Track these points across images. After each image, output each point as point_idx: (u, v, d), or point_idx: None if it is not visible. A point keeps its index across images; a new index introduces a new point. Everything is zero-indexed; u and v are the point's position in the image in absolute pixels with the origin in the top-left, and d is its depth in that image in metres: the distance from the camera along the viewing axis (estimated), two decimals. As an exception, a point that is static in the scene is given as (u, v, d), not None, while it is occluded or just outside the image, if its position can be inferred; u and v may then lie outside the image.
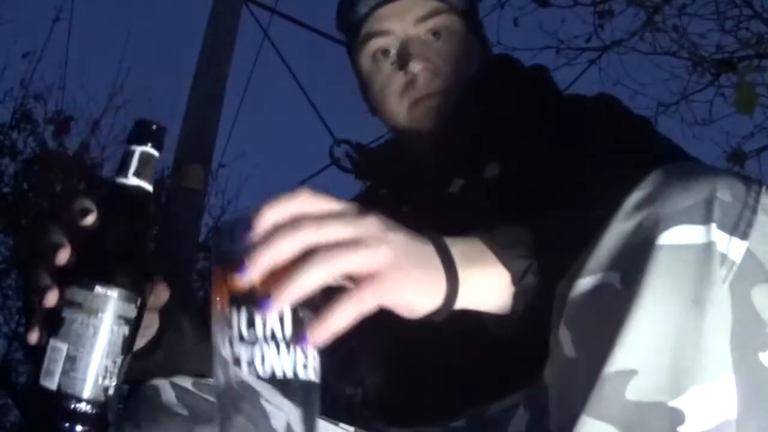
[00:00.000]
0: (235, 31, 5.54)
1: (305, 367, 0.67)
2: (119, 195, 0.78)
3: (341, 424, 0.99)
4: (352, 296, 0.65)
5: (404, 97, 1.15)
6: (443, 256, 0.70)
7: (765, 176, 4.86)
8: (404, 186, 1.18)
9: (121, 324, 0.74)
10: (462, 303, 0.71)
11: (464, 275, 0.71)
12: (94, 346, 0.72)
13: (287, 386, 0.67)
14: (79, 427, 0.72)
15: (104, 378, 0.73)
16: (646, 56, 5.30)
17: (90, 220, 0.76)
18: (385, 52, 1.16)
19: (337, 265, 0.65)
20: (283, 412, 0.95)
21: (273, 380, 0.67)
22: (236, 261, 0.65)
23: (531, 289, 0.73)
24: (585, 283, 0.66)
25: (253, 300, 0.66)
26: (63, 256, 0.74)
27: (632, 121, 1.11)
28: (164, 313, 0.93)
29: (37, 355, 0.73)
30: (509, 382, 0.94)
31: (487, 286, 0.73)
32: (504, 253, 0.73)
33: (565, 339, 0.68)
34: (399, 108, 1.16)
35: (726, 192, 0.63)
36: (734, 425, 0.62)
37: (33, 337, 0.74)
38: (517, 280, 0.73)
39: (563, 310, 0.68)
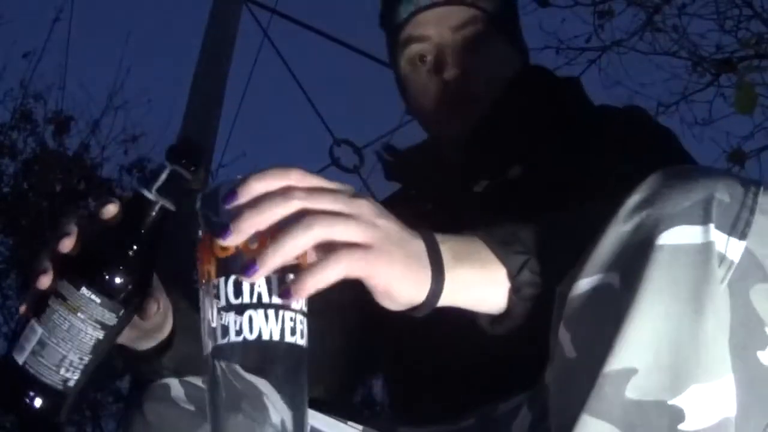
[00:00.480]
0: (235, 31, 5.54)
1: (293, 332, 0.67)
2: (137, 206, 0.78)
3: (350, 422, 0.99)
4: (342, 254, 0.65)
5: (439, 103, 1.18)
6: (431, 251, 0.70)
7: (765, 176, 4.86)
8: (432, 186, 1.20)
9: (97, 328, 0.76)
10: (449, 301, 0.71)
11: (452, 273, 0.70)
12: (65, 340, 0.75)
13: (274, 350, 0.67)
14: (33, 405, 0.77)
15: (66, 370, 0.76)
16: (646, 56, 5.31)
17: (109, 213, 0.77)
18: (422, 57, 1.19)
19: (326, 229, 0.65)
20: (276, 409, 0.95)
21: (259, 342, 0.66)
22: (223, 226, 0.65)
23: (527, 286, 0.73)
24: (585, 283, 0.66)
25: (240, 265, 0.65)
26: (67, 244, 0.77)
27: (657, 134, 1.12)
28: (177, 315, 0.94)
29: (18, 326, 0.78)
30: (518, 381, 0.95)
31: (479, 285, 0.73)
32: (500, 249, 0.73)
33: (564, 339, 0.68)
34: (434, 112, 1.19)
35: (724, 192, 0.64)
36: (734, 422, 0.63)
37: (22, 309, 0.78)
38: (512, 276, 0.73)
39: (563, 311, 0.68)
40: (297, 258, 0.67)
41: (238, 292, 0.66)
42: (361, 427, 1.00)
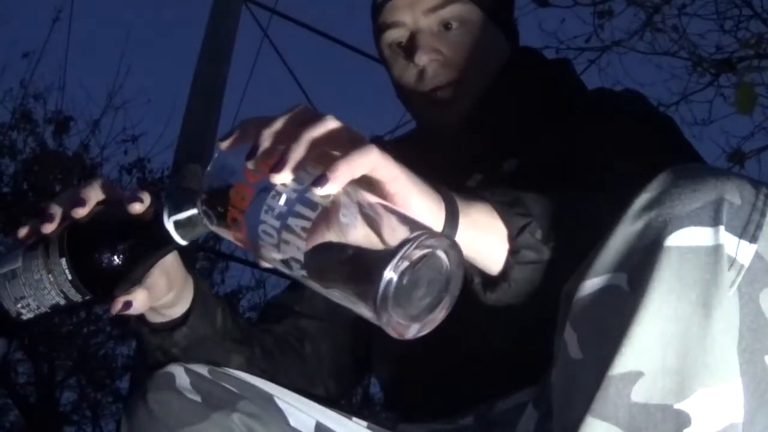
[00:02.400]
0: (235, 31, 5.55)
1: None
2: (149, 223, 0.77)
3: (354, 418, 0.99)
4: (374, 148, 0.66)
5: (418, 88, 1.14)
6: (444, 194, 0.71)
7: (765, 176, 4.85)
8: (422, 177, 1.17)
9: (61, 296, 0.78)
10: (461, 239, 0.71)
11: (464, 212, 0.71)
12: (31, 286, 0.78)
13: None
14: None
15: (23, 308, 0.79)
16: (646, 56, 5.30)
17: (133, 209, 0.76)
18: (399, 43, 1.15)
19: (341, 126, 0.68)
20: (307, 414, 0.95)
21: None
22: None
23: (526, 249, 0.73)
24: (592, 284, 0.66)
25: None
26: (78, 212, 0.77)
27: (655, 119, 1.09)
28: (196, 294, 0.93)
29: (10, 245, 0.82)
30: (516, 379, 0.94)
31: (488, 229, 0.73)
32: (501, 209, 0.73)
33: (570, 340, 0.68)
34: (415, 98, 1.16)
35: (735, 194, 0.63)
36: (740, 428, 0.62)
37: (22, 232, 0.80)
38: (512, 237, 0.73)
39: (569, 311, 0.68)
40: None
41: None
42: (365, 423, 0.99)
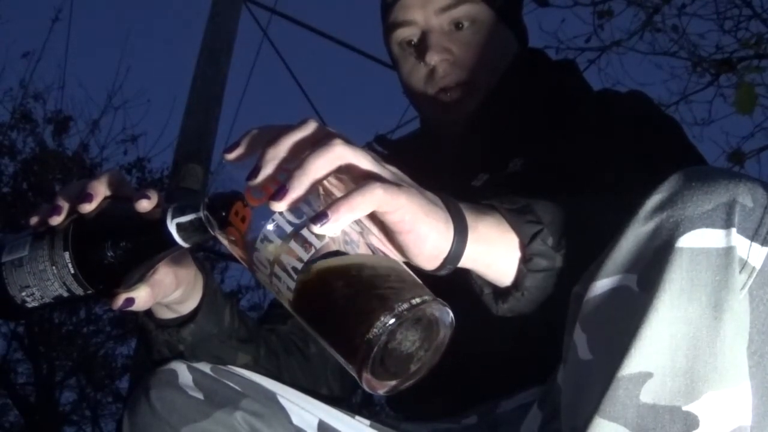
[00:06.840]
0: (234, 31, 5.54)
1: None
2: (153, 225, 0.77)
3: (357, 417, 0.99)
4: (377, 183, 0.64)
5: (427, 87, 1.15)
6: (452, 208, 0.70)
7: (765, 176, 4.85)
8: (428, 180, 1.17)
9: (64, 289, 0.78)
10: (471, 257, 0.71)
11: (473, 226, 0.70)
12: (35, 276, 0.78)
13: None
14: None
15: (27, 296, 0.80)
16: (646, 56, 5.30)
17: (141, 206, 0.76)
18: (410, 42, 1.16)
19: (350, 156, 0.66)
20: (310, 412, 0.95)
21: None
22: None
23: (538, 256, 0.73)
24: (602, 285, 0.66)
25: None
26: (85, 208, 0.77)
27: (660, 121, 1.10)
28: (206, 292, 0.93)
29: (19, 232, 0.82)
30: (521, 379, 0.94)
31: (498, 242, 0.72)
32: (512, 217, 0.73)
33: (580, 341, 0.68)
34: (423, 97, 1.16)
35: (747, 196, 0.63)
36: (749, 431, 0.62)
37: (33, 220, 0.79)
38: (524, 245, 0.73)
39: (579, 312, 0.68)
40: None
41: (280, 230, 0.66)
42: (368, 422, 0.99)
